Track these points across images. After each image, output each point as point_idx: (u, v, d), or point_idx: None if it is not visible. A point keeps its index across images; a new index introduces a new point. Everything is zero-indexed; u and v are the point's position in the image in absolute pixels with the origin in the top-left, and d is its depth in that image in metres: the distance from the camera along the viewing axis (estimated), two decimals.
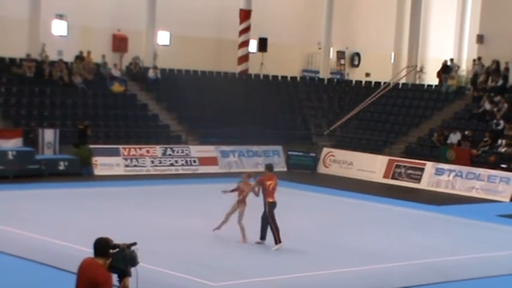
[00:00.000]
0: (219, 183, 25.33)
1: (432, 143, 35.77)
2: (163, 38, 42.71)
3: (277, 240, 18.43)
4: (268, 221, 18.46)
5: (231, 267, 16.73)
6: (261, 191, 18.61)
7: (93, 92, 36.71)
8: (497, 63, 38.61)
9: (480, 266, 18.53)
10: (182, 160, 33.07)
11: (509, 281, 17.31)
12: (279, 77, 43.96)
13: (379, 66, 49.15)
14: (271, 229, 18.47)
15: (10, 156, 29.19)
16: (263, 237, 18.86)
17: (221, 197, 19.30)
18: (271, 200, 18.46)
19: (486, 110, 36.19)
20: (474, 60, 40.47)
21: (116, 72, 37.96)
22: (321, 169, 35.69)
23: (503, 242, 21.62)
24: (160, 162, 32.68)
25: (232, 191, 19.35)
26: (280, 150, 36.07)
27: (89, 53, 37.76)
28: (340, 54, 50.57)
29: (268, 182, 18.57)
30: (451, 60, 42.40)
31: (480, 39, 41.58)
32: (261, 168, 33.95)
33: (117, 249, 8.46)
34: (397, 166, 33.52)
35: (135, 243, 8.62)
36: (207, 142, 35.56)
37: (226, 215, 19.19)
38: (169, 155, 33.00)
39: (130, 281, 8.54)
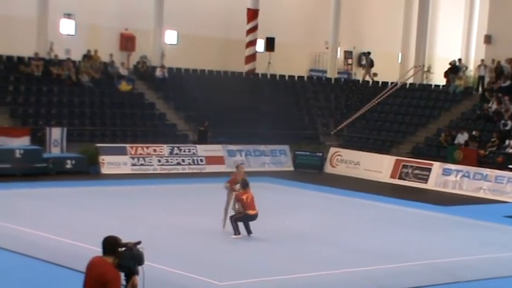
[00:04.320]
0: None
1: (439, 143, 35.70)
2: (170, 37, 42.77)
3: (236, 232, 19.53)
4: (231, 219, 19.57)
5: (237, 267, 16.74)
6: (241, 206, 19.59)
7: (100, 91, 36.77)
8: (498, 62, 38.58)
9: (487, 266, 18.46)
10: (189, 159, 33.09)
11: None
12: (286, 77, 43.94)
13: (387, 66, 49.08)
14: (231, 221, 19.58)
15: (18, 155, 29.24)
16: (248, 232, 19.60)
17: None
18: (252, 213, 19.44)
19: (494, 111, 36.12)
20: (482, 61, 40.43)
21: (123, 71, 38.02)
22: (328, 169, 35.65)
23: (510, 243, 21.55)
24: (167, 161, 32.71)
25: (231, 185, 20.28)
26: (287, 149, 36.06)
27: (96, 51, 37.83)
28: (348, 54, 50.55)
29: (244, 196, 19.51)
30: (459, 60, 42.33)
31: (488, 39, 41.50)
32: (268, 168, 34.48)
33: (125, 248, 8.49)
34: (404, 166, 33.46)
35: (139, 242, 8.64)
36: (214, 141, 35.58)
37: (224, 211, 20.25)
38: (176, 154, 33.02)
39: (138, 279, 8.57)
